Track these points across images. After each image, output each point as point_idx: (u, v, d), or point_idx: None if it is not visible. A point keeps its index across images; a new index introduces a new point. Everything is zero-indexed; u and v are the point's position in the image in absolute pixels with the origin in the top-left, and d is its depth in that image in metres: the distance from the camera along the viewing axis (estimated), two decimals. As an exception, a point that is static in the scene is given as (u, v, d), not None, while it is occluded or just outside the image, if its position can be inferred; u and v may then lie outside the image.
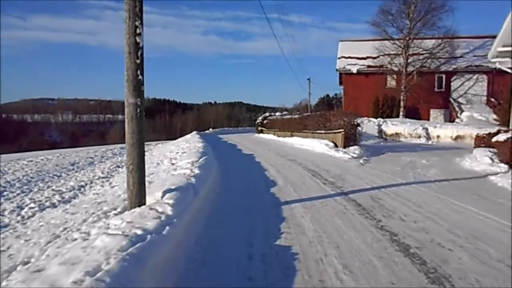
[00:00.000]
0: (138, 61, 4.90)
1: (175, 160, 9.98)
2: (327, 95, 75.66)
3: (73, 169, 14.03)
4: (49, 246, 3.89)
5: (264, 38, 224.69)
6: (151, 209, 4.42)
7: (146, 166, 10.23)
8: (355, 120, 14.96)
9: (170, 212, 4.32)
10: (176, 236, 3.98)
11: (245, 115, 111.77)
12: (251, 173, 9.49)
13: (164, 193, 5.33)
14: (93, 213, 5.25)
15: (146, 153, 15.93)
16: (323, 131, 16.48)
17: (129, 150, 4.96)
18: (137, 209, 4.56)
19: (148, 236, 3.42)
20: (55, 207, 7.36)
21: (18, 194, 8.92)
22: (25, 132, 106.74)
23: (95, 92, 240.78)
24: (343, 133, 14.35)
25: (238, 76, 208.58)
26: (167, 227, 3.82)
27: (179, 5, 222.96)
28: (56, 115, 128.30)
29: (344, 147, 14.16)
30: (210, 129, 43.80)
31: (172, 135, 64.83)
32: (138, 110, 4.93)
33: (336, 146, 14.55)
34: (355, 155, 12.68)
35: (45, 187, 10.12)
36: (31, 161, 16.98)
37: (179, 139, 23.39)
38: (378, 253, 3.96)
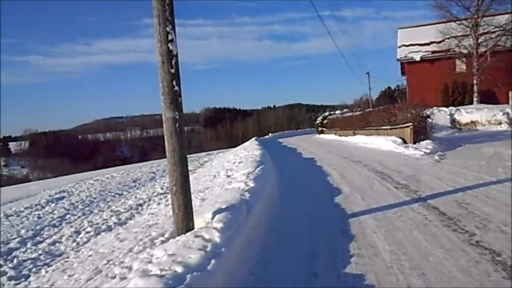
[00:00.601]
0: (172, 71, 4.43)
1: (231, 171, 9.53)
2: (389, 88, 72.23)
3: (135, 186, 14.24)
4: (88, 285, 3.52)
5: (317, 37, 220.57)
6: (196, 236, 3.89)
7: (204, 179, 9.87)
8: (424, 111, 13.56)
9: (218, 240, 3.76)
10: (225, 268, 3.41)
11: (305, 116, 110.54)
12: (313, 179, 8.72)
13: (214, 214, 4.80)
14: (140, 240, 4.87)
15: (206, 164, 15.88)
16: (388, 127, 15.20)
17: (171, 170, 4.50)
18: (182, 237, 4.06)
19: (188, 276, 2.87)
20: (110, 230, 7.21)
21: (79, 217, 9.04)
22: (99, 150, 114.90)
23: (159, 107, 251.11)
24: (411, 127, 13.05)
25: (295, 77, 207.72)
26: (213, 260, 3.26)
27: (230, 14, 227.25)
28: (126, 132, 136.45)
29: (414, 143, 12.85)
30: (270, 134, 43.38)
31: (234, 142, 65.46)
32: (177, 124, 4.45)
33: (404, 142, 13.27)
34: (427, 151, 11.38)
35: (105, 207, 10.20)
36: (97, 180, 17.63)
37: (239, 147, 23.17)
38: (481, 283, 3.08)
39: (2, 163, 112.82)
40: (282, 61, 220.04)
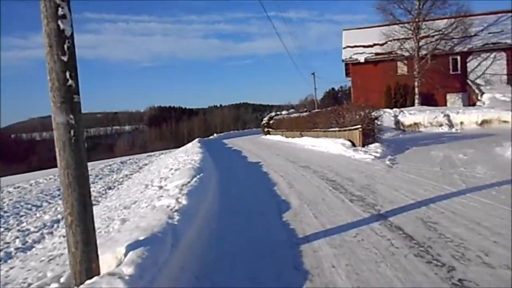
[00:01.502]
0: (65, 58, 3.20)
1: (166, 180, 8.31)
2: (333, 89, 73.85)
3: (59, 195, 12.47)
4: None
5: (263, 38, 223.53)
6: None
7: (135, 189, 8.48)
8: (373, 113, 13.15)
9: (122, 297, 2.63)
10: None
11: (251, 116, 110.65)
12: (258, 190, 7.74)
13: (130, 247, 3.63)
14: (29, 286, 3.58)
15: (145, 168, 14.33)
16: (336, 129, 14.68)
17: (65, 193, 3.25)
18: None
19: None
20: (8, 260, 5.71)
21: (-27, 241, 7.34)
22: (34, 150, 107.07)
23: (100, 106, 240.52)
24: (360, 129, 12.56)
25: (241, 77, 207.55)
26: None
27: (176, 12, 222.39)
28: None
29: (363, 146, 12.38)
30: (215, 134, 42.10)
31: (180, 142, 63.66)
32: (73, 132, 3.22)
33: (353, 145, 12.77)
34: (377, 155, 10.89)
35: (15, 224, 8.53)
36: (18, 187, 15.50)
37: (180, 149, 21.77)
38: None
39: None
40: (228, 60, 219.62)
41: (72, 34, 3.28)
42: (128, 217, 5.56)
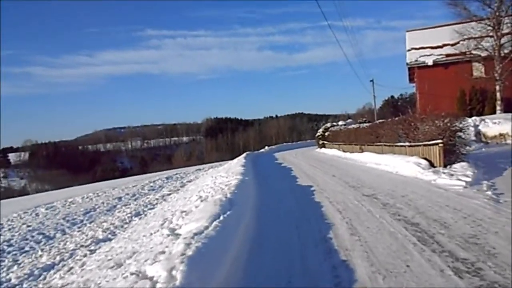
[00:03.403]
0: None
1: (184, 218, 6.31)
2: (392, 97, 69.11)
3: (81, 222, 11.15)
4: None
5: (318, 47, 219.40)
6: None
7: (154, 222, 6.56)
8: (456, 124, 10.36)
9: None
10: None
11: (306, 126, 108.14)
12: (305, 240, 5.43)
13: None
14: None
15: (186, 185, 12.54)
16: (407, 143, 11.97)
17: None
18: None
19: None
20: None
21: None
22: (99, 161, 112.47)
23: (160, 117, 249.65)
24: (441, 144, 9.83)
25: (296, 87, 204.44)
26: None
27: (232, 25, 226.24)
28: (126, 142, 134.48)
29: (445, 166, 9.65)
30: (266, 147, 40.02)
31: (236, 153, 62.92)
32: None
33: (431, 165, 10.05)
34: (468, 179, 8.12)
35: (4, 268, 6.98)
36: (51, 207, 14.47)
37: (225, 166, 19.96)
38: None
39: (1, 175, 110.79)
40: (283, 71, 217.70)
41: None
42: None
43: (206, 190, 9.32)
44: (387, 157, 12.60)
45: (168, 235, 5.30)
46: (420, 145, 10.93)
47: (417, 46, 27.18)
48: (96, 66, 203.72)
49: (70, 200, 16.86)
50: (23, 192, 78.25)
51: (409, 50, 27.48)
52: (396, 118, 13.70)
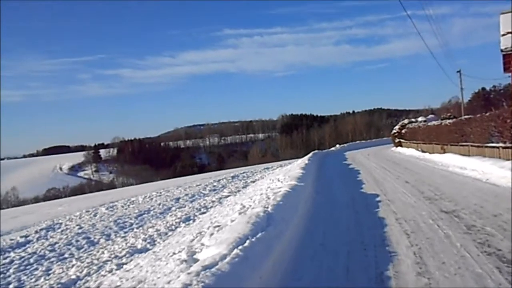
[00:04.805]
0: None
1: (212, 235, 5.35)
2: (483, 89, 61.77)
3: (131, 225, 10.84)
4: None
5: (398, 39, 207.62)
6: None
7: (180, 238, 5.81)
8: None
9: None
10: None
11: (385, 122, 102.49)
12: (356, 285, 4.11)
13: None
14: None
15: (250, 185, 11.75)
16: (501, 144, 9.83)
17: None
18: None
19: None
20: None
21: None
22: (179, 157, 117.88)
23: (237, 115, 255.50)
24: (549, 147, 7.72)
25: (375, 81, 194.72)
26: None
27: (308, 21, 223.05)
28: (205, 139, 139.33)
29: (555, 174, 7.54)
30: (337, 146, 37.94)
31: (310, 150, 61.83)
32: None
33: (535, 172, 7.96)
34: None
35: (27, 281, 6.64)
36: (114, 205, 14.60)
37: (288, 167, 18.81)
38: None
39: (93, 169, 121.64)
40: (361, 65, 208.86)
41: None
42: None
43: (254, 198, 8.30)
44: (474, 160, 10.50)
45: (182, 262, 4.35)
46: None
47: (514, 29, 23.51)
48: (178, 66, 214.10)
49: (133, 199, 16.99)
50: (111, 186, 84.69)
51: (504, 35, 23.74)
52: (487, 114, 11.43)
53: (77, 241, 9.65)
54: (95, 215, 13.53)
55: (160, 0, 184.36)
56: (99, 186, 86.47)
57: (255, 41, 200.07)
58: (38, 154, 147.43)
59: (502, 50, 23.24)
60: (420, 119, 27.24)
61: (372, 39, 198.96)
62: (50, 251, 8.92)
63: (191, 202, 14.08)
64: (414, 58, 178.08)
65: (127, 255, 7.39)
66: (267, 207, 6.19)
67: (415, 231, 5.43)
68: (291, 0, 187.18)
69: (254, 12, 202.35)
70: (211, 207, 12.25)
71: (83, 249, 8.78)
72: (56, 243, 9.70)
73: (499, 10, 23.05)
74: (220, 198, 13.98)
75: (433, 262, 4.19)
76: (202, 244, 5.19)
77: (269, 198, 7.20)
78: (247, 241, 4.44)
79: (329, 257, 4.83)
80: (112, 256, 7.54)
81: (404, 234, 5.35)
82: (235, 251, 4.11)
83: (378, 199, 8.12)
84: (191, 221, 10.13)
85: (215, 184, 20.57)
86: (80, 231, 11.00)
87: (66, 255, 8.37)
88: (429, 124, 21.07)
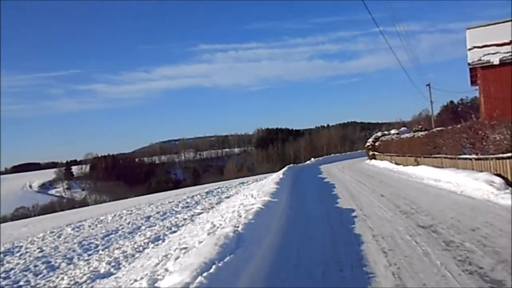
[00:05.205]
0: None
1: (178, 259, 4.92)
2: (451, 102, 63.70)
3: (95, 247, 10.18)
4: None
5: (370, 54, 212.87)
6: None
7: (152, 259, 5.32)
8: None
9: None
10: None
11: (359, 135, 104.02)
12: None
13: None
14: None
15: (222, 202, 11.36)
16: (473, 156, 9.84)
17: None
18: None
19: None
20: None
21: None
22: (154, 173, 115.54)
23: (212, 129, 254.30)
24: (521, 158, 7.70)
25: (348, 95, 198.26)
26: None
27: (282, 36, 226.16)
28: (180, 154, 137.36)
29: (528, 185, 7.50)
30: (312, 159, 37.96)
31: (286, 163, 61.79)
32: None
33: (508, 183, 7.92)
34: None
35: None
36: (79, 226, 13.78)
37: (262, 182, 18.47)
38: None
39: (65, 186, 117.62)
40: (334, 79, 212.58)
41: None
42: None
43: (225, 215, 7.89)
44: (448, 172, 10.48)
45: (141, 292, 3.91)
46: (491, 158, 8.80)
47: (480, 44, 24.21)
48: (153, 81, 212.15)
49: (102, 218, 16.21)
50: (83, 203, 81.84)
51: (470, 49, 24.51)
52: (459, 125, 11.50)
53: (35, 266, 8.95)
54: (59, 237, 12.77)
55: (135, 15, 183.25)
56: (71, 204, 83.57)
57: (230, 56, 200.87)
58: (6, 171, 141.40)
59: (469, 64, 23.92)
60: (393, 131, 27.56)
61: (344, 54, 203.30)
62: (4, 278, 8.19)
63: (162, 220, 13.48)
64: (386, 72, 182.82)
65: (88, 281, 6.82)
66: (238, 226, 5.81)
67: (393, 249, 5.17)
68: (266, 15, 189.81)
69: (229, 27, 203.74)
70: (183, 225, 11.71)
71: (41, 275, 8.11)
72: (12, 269, 8.96)
73: (465, 26, 23.69)
74: (193, 216, 13.45)
75: (413, 283, 3.92)
76: (166, 270, 4.77)
77: (240, 216, 6.82)
78: (213, 267, 4.04)
79: (303, 280, 4.48)
80: (72, 282, 6.94)
81: (382, 252, 5.08)
82: (199, 278, 3.71)
83: (353, 214, 7.87)
84: (160, 241, 9.59)
85: (188, 200, 19.98)
86: (40, 254, 10.27)
87: (21, 283, 7.68)
88: (402, 136, 21.27)
